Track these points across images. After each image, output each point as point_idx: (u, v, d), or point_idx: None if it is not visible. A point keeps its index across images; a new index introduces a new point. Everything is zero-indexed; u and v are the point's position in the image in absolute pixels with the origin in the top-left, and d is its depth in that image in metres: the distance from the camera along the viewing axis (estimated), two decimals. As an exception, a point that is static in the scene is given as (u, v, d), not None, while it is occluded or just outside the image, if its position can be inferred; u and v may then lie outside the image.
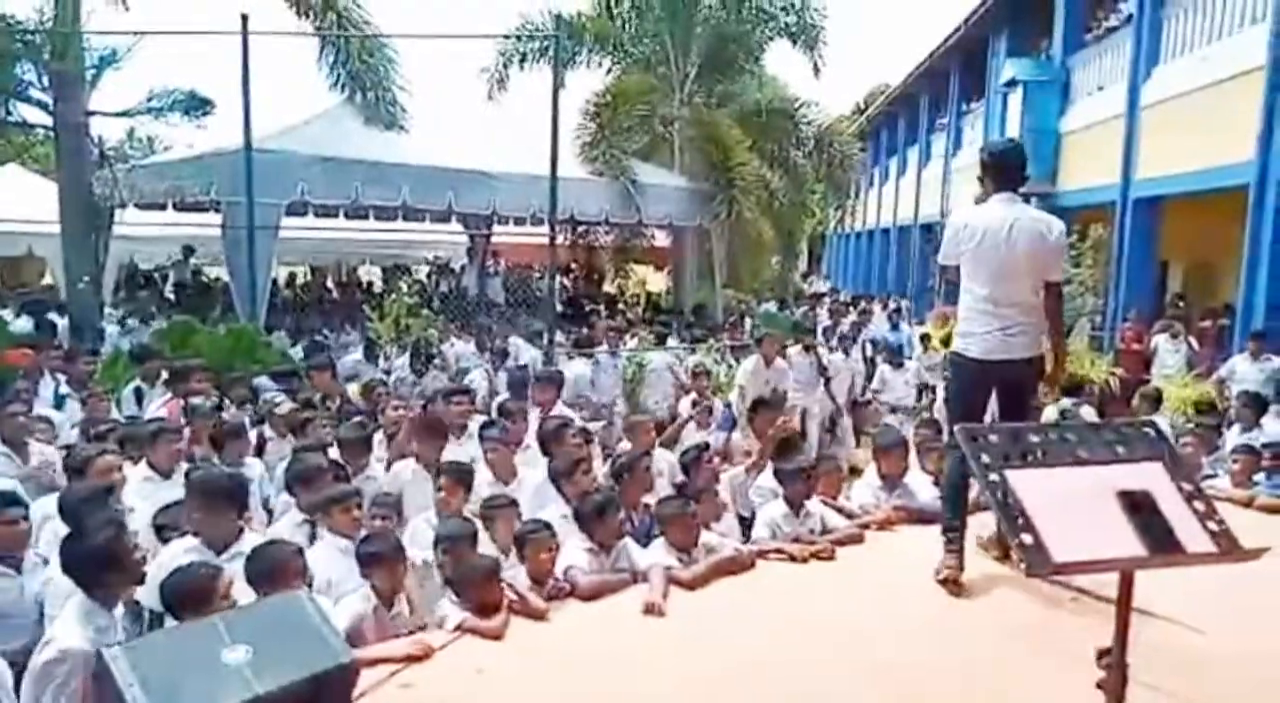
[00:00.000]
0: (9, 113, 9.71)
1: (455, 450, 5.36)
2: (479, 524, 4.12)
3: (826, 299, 17.73)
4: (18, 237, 13.60)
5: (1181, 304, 11.40)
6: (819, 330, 12.31)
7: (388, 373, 8.74)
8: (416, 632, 3.48)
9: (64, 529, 3.85)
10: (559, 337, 9.63)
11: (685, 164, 14.76)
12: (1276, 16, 8.88)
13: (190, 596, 3.06)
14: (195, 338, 8.30)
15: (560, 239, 12.26)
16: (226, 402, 6.36)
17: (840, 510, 4.90)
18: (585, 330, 11.06)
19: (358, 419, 5.77)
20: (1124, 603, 2.17)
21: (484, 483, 4.80)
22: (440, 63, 14.26)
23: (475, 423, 5.84)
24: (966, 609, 3.77)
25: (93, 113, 9.65)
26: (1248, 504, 5.05)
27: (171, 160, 12.12)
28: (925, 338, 10.70)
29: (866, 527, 4.75)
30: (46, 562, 3.77)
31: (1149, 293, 12.00)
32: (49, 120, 9.59)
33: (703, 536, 4.18)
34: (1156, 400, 7.24)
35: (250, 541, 3.77)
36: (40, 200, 11.94)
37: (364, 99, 11.10)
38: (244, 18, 8.70)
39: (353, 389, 7.14)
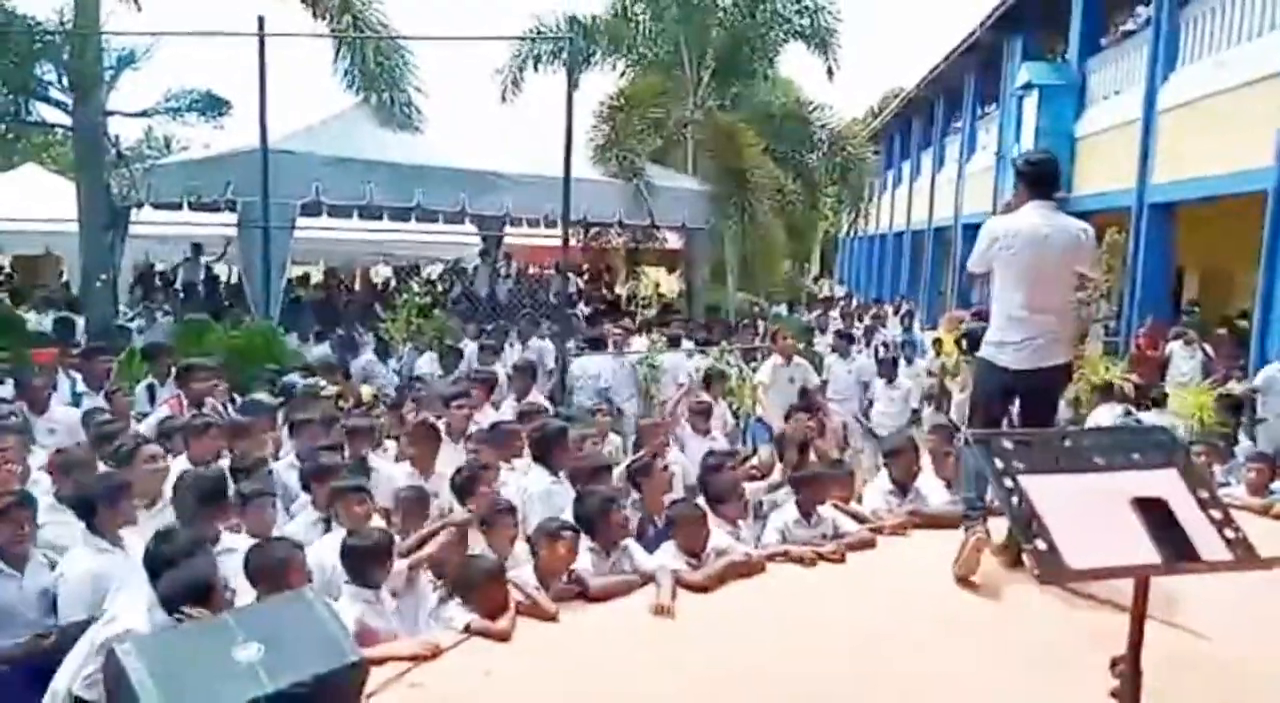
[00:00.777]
0: (28, 113, 9.77)
1: (457, 454, 5.41)
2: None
3: (840, 303, 17.71)
4: (36, 236, 13.72)
5: (1196, 311, 11.31)
6: (831, 334, 12.29)
7: (399, 374, 8.78)
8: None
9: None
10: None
11: (698, 167, 14.76)
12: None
13: (193, 593, 3.09)
14: (209, 337, 8.35)
15: (573, 241, 12.27)
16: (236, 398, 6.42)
17: (852, 515, 4.88)
18: (600, 328, 11.09)
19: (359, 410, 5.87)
20: (1138, 611, 2.15)
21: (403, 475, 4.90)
22: (455, 65, 14.31)
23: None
24: (978, 615, 3.74)
25: (111, 113, 9.71)
26: (1264, 512, 5.00)
27: (188, 160, 12.20)
28: (938, 342, 10.52)
29: (879, 532, 4.73)
30: (53, 566, 3.80)
31: (1163, 299, 11.92)
32: (68, 120, 9.65)
33: (712, 539, 4.17)
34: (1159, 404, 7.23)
35: (229, 541, 3.81)
36: (58, 200, 12.03)
37: (379, 100, 11.14)
38: (260, 19, 8.76)
39: (366, 390, 7.17)
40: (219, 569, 3.25)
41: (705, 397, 7.46)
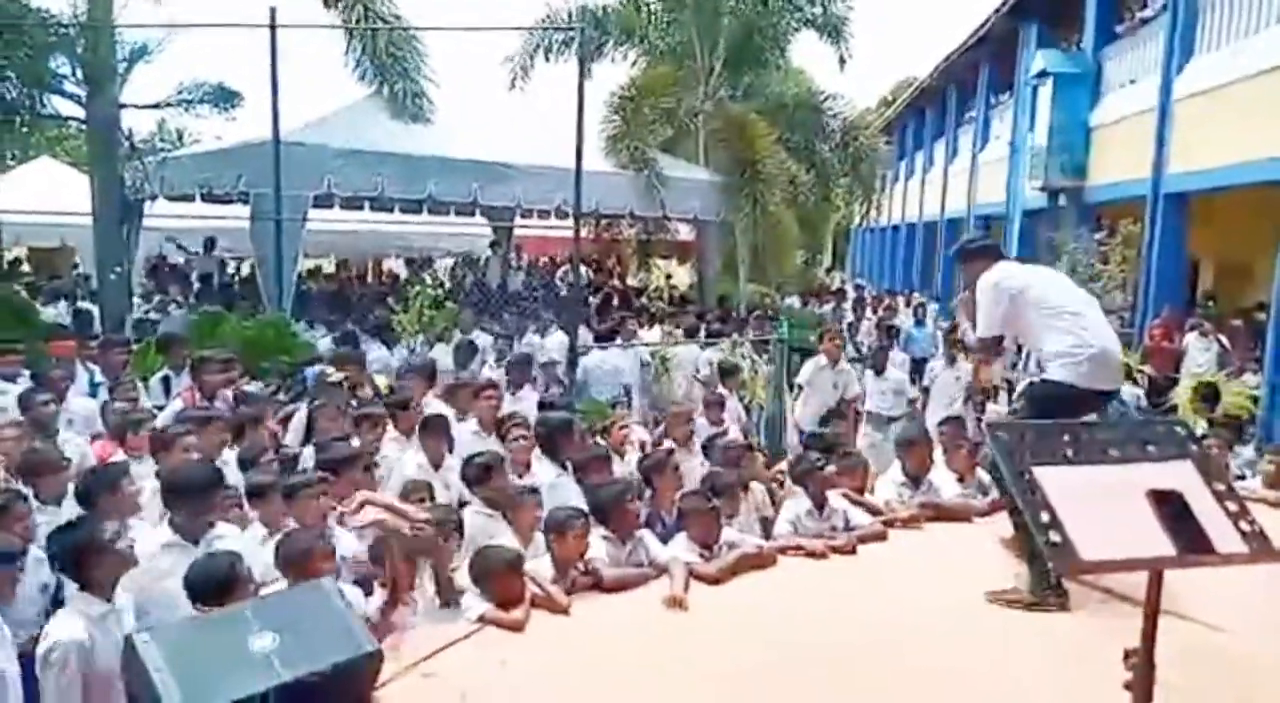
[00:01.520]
0: (43, 106, 9.83)
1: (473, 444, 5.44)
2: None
3: (851, 295, 17.66)
4: (51, 227, 13.81)
5: (1212, 303, 11.23)
6: (843, 326, 12.26)
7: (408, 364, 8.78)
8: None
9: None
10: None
11: (710, 157, 14.72)
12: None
13: (216, 585, 3.12)
14: (223, 328, 8.39)
15: (584, 232, 12.26)
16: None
17: (865, 507, 4.88)
18: (609, 320, 11.11)
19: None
20: (1152, 604, 2.14)
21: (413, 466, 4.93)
22: (466, 55, 14.32)
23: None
24: (990, 608, 3.74)
25: (124, 106, 9.76)
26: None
27: (201, 152, 12.24)
28: (955, 344, 8.85)
29: (891, 524, 4.72)
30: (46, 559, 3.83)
31: (1179, 290, 11.82)
32: (82, 113, 9.70)
33: (725, 532, 4.18)
34: (1213, 399, 7.10)
35: (222, 530, 3.83)
36: (72, 192, 12.11)
37: (390, 91, 11.15)
38: (272, 11, 8.76)
39: (381, 381, 7.18)
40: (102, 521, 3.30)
41: (720, 389, 7.48)
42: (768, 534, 4.67)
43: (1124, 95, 12.84)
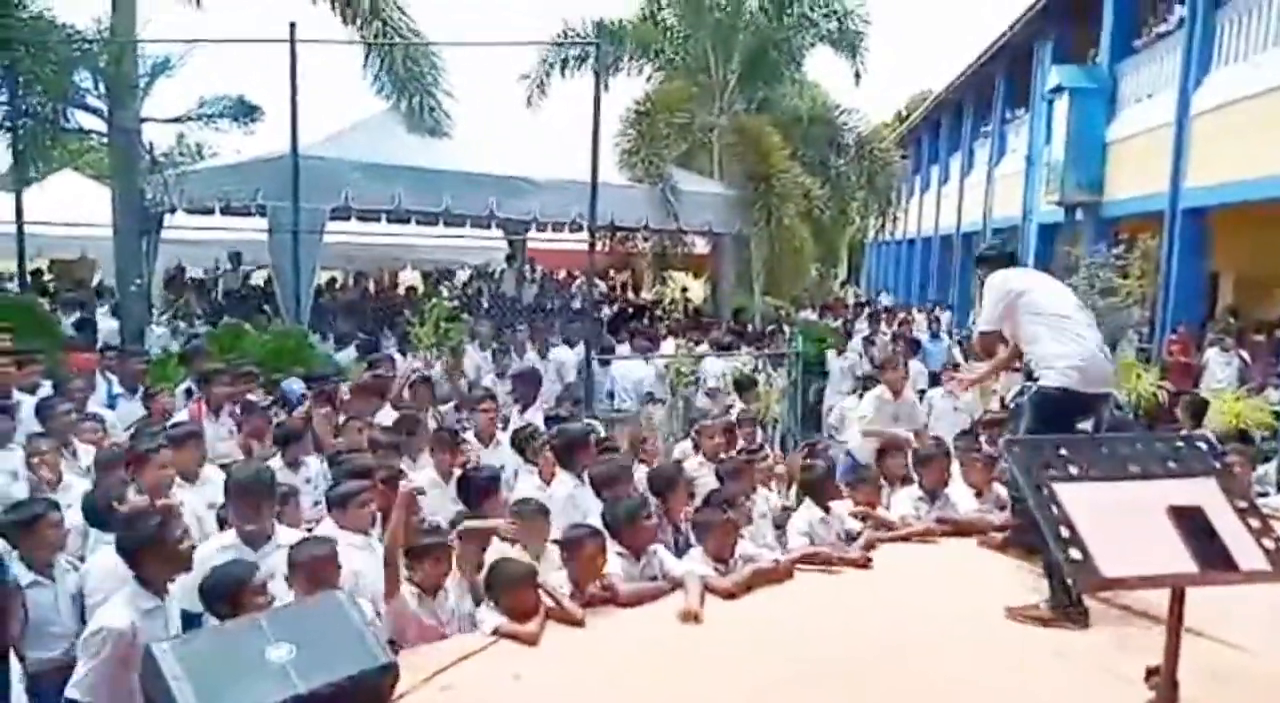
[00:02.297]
0: (66, 120, 9.94)
1: (485, 457, 5.47)
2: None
3: (866, 308, 17.61)
4: (72, 240, 13.95)
5: (1234, 319, 11.13)
6: (859, 340, 12.21)
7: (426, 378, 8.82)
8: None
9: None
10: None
11: (725, 171, 14.74)
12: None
13: (227, 592, 3.14)
14: (243, 341, 8.45)
15: (599, 246, 12.29)
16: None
17: (879, 521, 4.86)
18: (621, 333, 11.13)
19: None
20: (1175, 621, 2.12)
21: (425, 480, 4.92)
22: (483, 70, 14.41)
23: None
24: (1009, 625, 3.70)
25: (146, 119, 9.86)
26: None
27: (220, 166, 12.36)
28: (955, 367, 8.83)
29: (907, 539, 4.71)
30: (76, 567, 3.86)
31: (1198, 305, 11.74)
32: (104, 127, 9.81)
33: (740, 546, 4.17)
34: (1199, 412, 7.07)
35: (284, 536, 3.86)
36: (93, 204, 12.23)
37: (408, 106, 11.23)
38: (292, 26, 8.86)
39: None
40: (173, 519, 3.39)
41: (740, 403, 7.45)
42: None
43: (1141, 110, 12.80)
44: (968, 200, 22.02)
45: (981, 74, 19.90)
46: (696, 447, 6.06)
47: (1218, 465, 2.28)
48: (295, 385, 6.67)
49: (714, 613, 3.72)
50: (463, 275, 20.18)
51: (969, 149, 22.84)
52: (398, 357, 8.68)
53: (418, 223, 15.04)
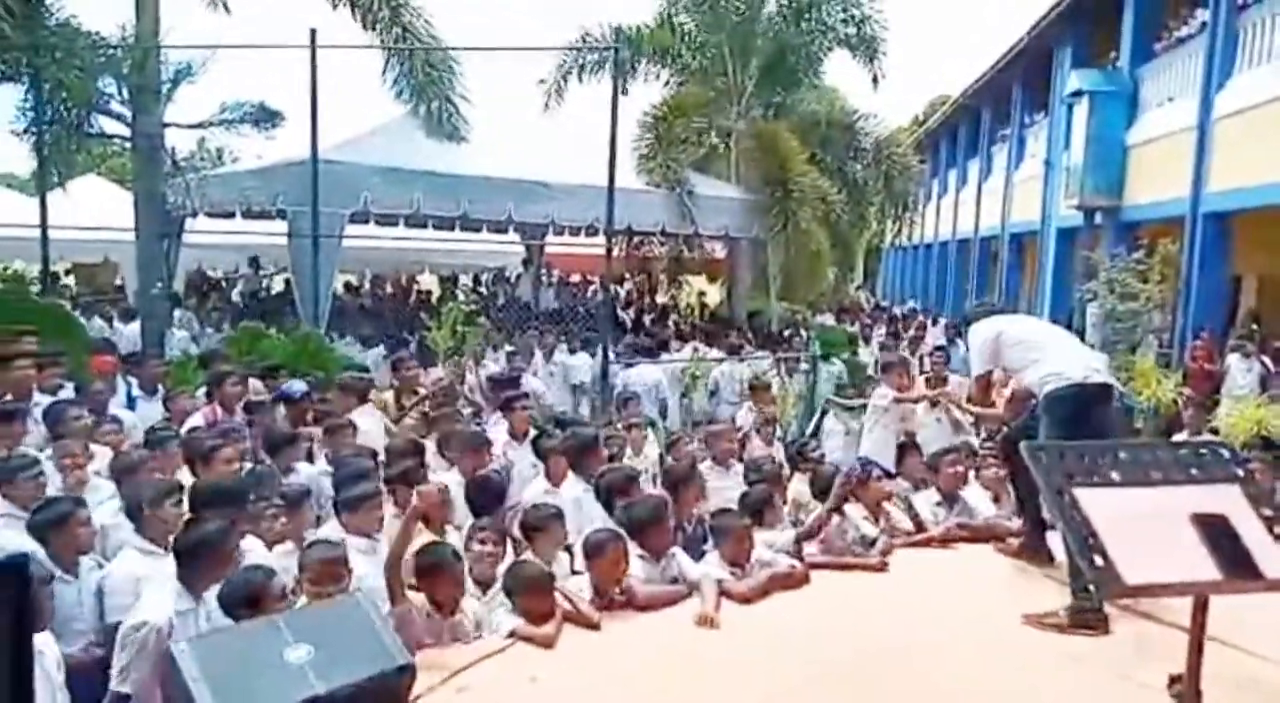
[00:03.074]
0: (90, 125, 10.06)
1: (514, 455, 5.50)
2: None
3: (884, 313, 17.54)
4: (95, 244, 14.11)
5: (1256, 325, 11.01)
6: (875, 345, 12.18)
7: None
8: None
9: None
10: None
11: (742, 175, 14.73)
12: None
13: (247, 598, 3.16)
14: (263, 344, 8.50)
15: (616, 250, 12.33)
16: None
17: (894, 526, 4.84)
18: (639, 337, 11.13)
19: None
20: (1197, 629, 2.10)
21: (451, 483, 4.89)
22: (502, 75, 14.48)
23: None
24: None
25: (168, 124, 9.95)
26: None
27: (241, 170, 12.47)
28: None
29: (926, 544, 4.69)
30: (101, 565, 3.90)
31: (1219, 310, 11.62)
32: (127, 132, 9.91)
33: (756, 550, 4.16)
34: (1207, 411, 7.07)
35: (247, 545, 3.85)
36: (116, 209, 12.36)
37: (427, 110, 11.28)
38: (313, 32, 8.92)
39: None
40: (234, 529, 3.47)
41: (768, 410, 7.44)
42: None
43: (1162, 113, 12.70)
44: (986, 205, 21.91)
45: (1000, 79, 19.79)
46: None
47: (1241, 473, 2.26)
48: (296, 386, 6.69)
49: (730, 617, 3.71)
50: (485, 276, 20.28)
51: (987, 153, 22.72)
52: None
53: (435, 227, 15.13)
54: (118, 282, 15.90)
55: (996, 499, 5.17)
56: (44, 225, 9.85)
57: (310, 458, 5.44)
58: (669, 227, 12.96)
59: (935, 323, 16.00)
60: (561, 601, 3.57)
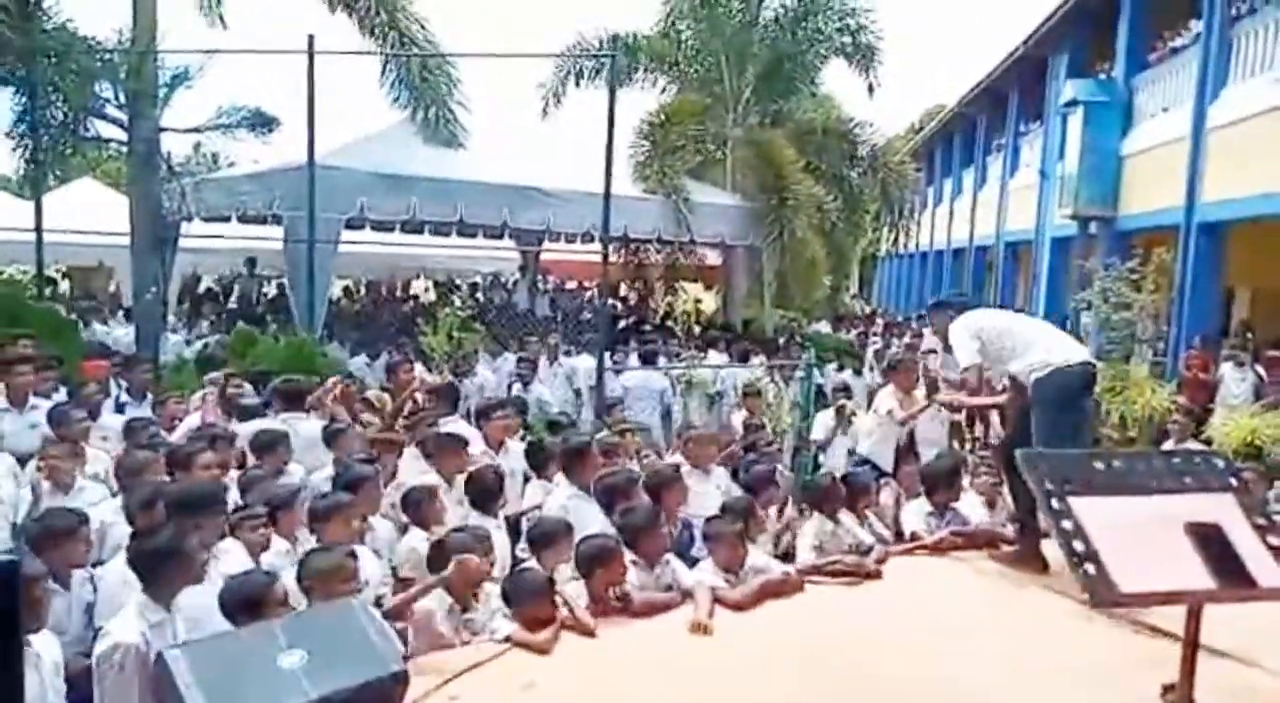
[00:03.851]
0: (86, 130, 10.04)
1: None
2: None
3: (880, 320, 17.57)
4: (89, 248, 14.07)
5: (1250, 334, 11.04)
6: (870, 352, 12.19)
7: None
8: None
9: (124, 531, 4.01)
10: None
11: (738, 183, 14.76)
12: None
13: (247, 603, 3.15)
14: (256, 348, 8.49)
15: (612, 257, 12.33)
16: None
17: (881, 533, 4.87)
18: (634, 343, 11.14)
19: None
20: (1191, 638, 2.11)
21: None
22: (499, 81, 14.48)
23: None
24: (1022, 640, 3.68)
25: (164, 129, 9.94)
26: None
27: (237, 175, 12.45)
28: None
29: (929, 550, 4.71)
30: (92, 577, 3.87)
31: (1213, 320, 11.66)
32: (123, 136, 9.89)
33: (750, 557, 4.16)
34: (1199, 420, 7.11)
35: (223, 547, 3.84)
36: (111, 213, 12.33)
37: (424, 116, 11.29)
38: (310, 38, 8.92)
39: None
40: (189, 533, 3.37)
41: (759, 415, 7.46)
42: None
43: (1156, 123, 12.76)
44: (981, 214, 21.98)
45: (995, 88, 19.88)
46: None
47: (1234, 482, 2.26)
48: None
49: (724, 623, 3.71)
50: (482, 282, 20.28)
51: (982, 162, 22.80)
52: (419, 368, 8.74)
53: (431, 232, 15.12)
54: (112, 287, 15.86)
55: (990, 505, 5.18)
56: (39, 229, 9.82)
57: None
58: (665, 233, 12.96)
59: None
60: (560, 607, 3.57)
